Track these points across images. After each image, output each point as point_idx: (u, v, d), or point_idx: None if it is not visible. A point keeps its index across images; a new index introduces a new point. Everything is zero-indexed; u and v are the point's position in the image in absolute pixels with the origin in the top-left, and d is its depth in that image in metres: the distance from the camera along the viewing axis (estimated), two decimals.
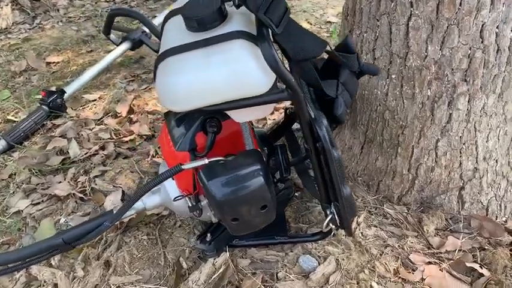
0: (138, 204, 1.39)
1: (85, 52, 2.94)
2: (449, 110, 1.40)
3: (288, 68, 1.02)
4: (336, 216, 1.25)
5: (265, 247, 1.46)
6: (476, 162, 1.48)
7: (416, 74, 1.38)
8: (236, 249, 1.47)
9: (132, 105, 2.21)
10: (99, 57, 2.80)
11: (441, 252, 1.44)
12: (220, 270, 1.40)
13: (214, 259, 1.42)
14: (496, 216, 1.55)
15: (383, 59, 1.44)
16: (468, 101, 1.38)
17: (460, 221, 1.52)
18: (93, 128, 2.09)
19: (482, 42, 1.28)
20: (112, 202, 1.69)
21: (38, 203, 1.74)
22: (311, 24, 3.04)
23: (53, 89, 2.33)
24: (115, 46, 2.59)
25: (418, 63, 1.37)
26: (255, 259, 1.44)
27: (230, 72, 0.95)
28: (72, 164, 1.91)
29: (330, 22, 3.04)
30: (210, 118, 1.21)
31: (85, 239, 1.39)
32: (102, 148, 1.97)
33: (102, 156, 1.91)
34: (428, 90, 1.39)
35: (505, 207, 1.55)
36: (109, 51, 2.87)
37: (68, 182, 1.82)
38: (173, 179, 1.31)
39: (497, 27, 1.26)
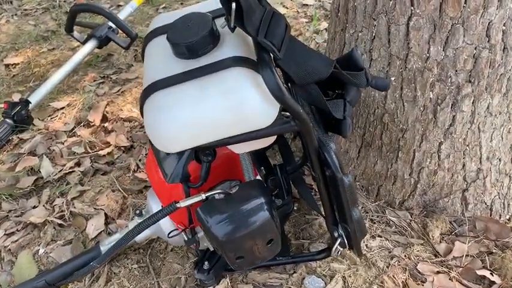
0: None
1: (46, 51, 2.72)
2: (453, 112, 1.32)
3: (292, 93, 0.91)
4: (345, 239, 1.16)
5: (266, 269, 1.38)
6: (480, 162, 1.41)
7: (418, 76, 1.29)
8: (235, 273, 1.37)
9: (105, 112, 2.05)
10: (62, 57, 2.60)
11: (449, 260, 1.39)
12: None
13: (214, 287, 1.32)
14: (500, 215, 1.50)
15: (381, 61, 1.34)
16: (473, 103, 1.30)
17: (465, 223, 1.47)
18: (65, 141, 1.93)
19: (488, 41, 1.20)
20: (94, 227, 1.56)
21: (13, 233, 1.59)
22: (287, 8, 2.89)
23: (16, 99, 2.13)
24: (79, 43, 2.39)
25: (420, 64, 1.27)
26: (257, 283, 1.35)
27: (229, 106, 0.83)
28: (45, 184, 1.75)
29: (306, 5, 2.90)
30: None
31: (70, 279, 1.28)
32: (78, 164, 1.82)
33: (79, 174, 1.76)
34: (431, 92, 1.31)
35: (508, 205, 1.51)
36: (73, 49, 2.68)
37: (44, 206, 1.67)
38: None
39: (504, 25, 1.18)
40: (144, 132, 1.94)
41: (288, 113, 0.89)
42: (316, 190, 1.57)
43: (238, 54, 0.87)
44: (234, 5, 0.78)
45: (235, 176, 1.16)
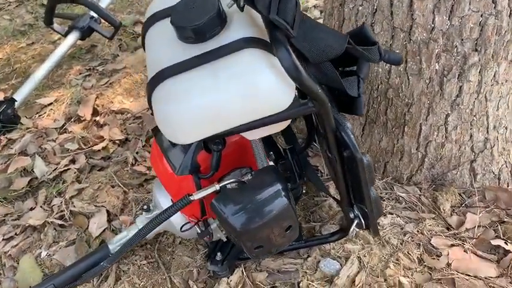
0: (133, 233, 1.22)
1: (25, 46, 2.61)
2: (460, 83, 1.30)
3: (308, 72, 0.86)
4: (362, 219, 1.14)
5: (279, 255, 1.35)
6: (487, 132, 1.40)
7: (423, 47, 1.26)
8: (249, 262, 1.34)
9: (95, 106, 1.98)
10: (44, 51, 2.50)
11: (461, 232, 1.38)
12: None
13: (228, 277, 1.29)
14: (508, 184, 1.50)
15: (384, 34, 1.30)
16: (479, 72, 1.28)
17: (474, 194, 1.45)
18: (56, 139, 1.85)
19: (495, 7, 1.17)
20: (97, 225, 1.50)
21: (12, 238, 1.53)
22: None
23: (0, 98, 2.04)
24: (60, 36, 2.29)
25: (425, 36, 1.24)
26: (271, 270, 1.32)
27: (245, 91, 0.78)
28: (41, 184, 1.69)
29: None
30: None
31: (80, 281, 1.23)
32: (73, 161, 1.75)
33: (75, 172, 1.69)
34: (437, 64, 1.28)
35: None
36: (54, 42, 2.58)
37: (41, 207, 1.60)
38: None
39: None
40: (139, 124, 1.88)
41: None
42: (322, 171, 1.55)
43: (248, 35, 0.82)
44: None
45: (245, 163, 1.12)
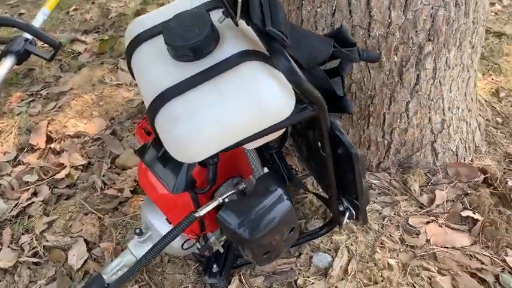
0: (128, 259, 1.19)
1: None
2: (417, 71, 1.39)
3: None
4: (352, 210, 1.19)
5: None
6: (443, 114, 1.51)
7: (382, 42, 1.34)
8: (243, 269, 1.35)
9: (48, 133, 1.87)
10: None
11: (433, 209, 1.48)
12: None
13: (227, 286, 1.30)
14: (464, 158, 1.63)
15: None
16: (434, 59, 1.38)
17: (438, 172, 1.57)
18: (11, 172, 1.74)
19: (443, 0, 1.27)
20: (77, 257, 1.44)
21: None
22: None
23: None
24: None
25: (383, 31, 1.32)
26: (267, 273, 1.34)
27: (251, 104, 0.80)
28: (3, 223, 1.58)
29: None
30: None
31: None
32: (35, 194, 1.65)
33: (40, 205, 1.60)
34: (395, 56, 1.36)
35: (469, 147, 1.63)
36: None
37: (9, 247, 1.50)
38: (169, 223, 1.13)
39: None
40: (99, 146, 1.81)
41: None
42: (297, 169, 1.59)
43: (243, 49, 0.83)
44: None
45: (236, 173, 1.13)
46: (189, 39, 0.80)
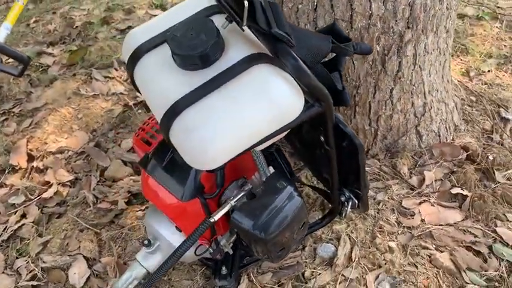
0: (138, 271, 1.18)
1: None
2: (399, 59, 1.44)
3: None
4: (355, 199, 1.23)
5: None
6: (425, 97, 1.57)
7: (364, 33, 1.37)
8: (249, 268, 1.37)
9: (29, 151, 1.82)
10: None
11: (424, 189, 1.54)
12: None
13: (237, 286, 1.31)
14: (446, 138, 1.70)
15: None
16: (414, 46, 1.43)
17: (424, 154, 1.63)
18: None
19: None
20: (78, 275, 1.41)
21: None
22: None
23: None
24: None
25: (364, 22, 1.35)
26: (274, 269, 1.36)
27: (265, 106, 0.81)
28: None
29: None
30: None
31: None
32: (24, 216, 1.60)
33: (32, 226, 1.56)
34: (377, 45, 1.40)
35: (449, 127, 1.70)
36: None
37: (4, 273, 1.46)
38: (180, 231, 1.13)
39: None
40: (84, 160, 1.77)
41: None
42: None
43: (249, 53, 0.84)
44: (247, 3, 0.75)
45: (239, 174, 1.14)
46: (196, 48, 0.80)
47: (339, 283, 1.32)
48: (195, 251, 1.11)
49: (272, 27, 0.79)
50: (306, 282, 1.33)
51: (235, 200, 1.01)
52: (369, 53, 1.07)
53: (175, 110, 0.80)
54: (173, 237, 1.15)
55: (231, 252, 1.22)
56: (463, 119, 1.77)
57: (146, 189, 1.13)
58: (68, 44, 2.42)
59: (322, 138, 1.06)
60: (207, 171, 1.04)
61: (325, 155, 1.09)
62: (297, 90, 0.84)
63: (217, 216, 0.98)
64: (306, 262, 1.38)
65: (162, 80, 0.86)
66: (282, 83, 0.82)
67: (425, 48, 1.46)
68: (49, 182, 1.70)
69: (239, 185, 1.14)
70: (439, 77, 1.60)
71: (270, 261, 1.30)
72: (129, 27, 2.48)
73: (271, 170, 1.09)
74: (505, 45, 2.13)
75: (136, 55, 0.91)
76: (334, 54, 1.06)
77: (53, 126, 1.93)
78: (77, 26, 2.53)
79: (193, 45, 0.81)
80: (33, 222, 1.57)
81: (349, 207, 1.23)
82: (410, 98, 1.54)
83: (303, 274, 1.35)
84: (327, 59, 1.07)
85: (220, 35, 0.84)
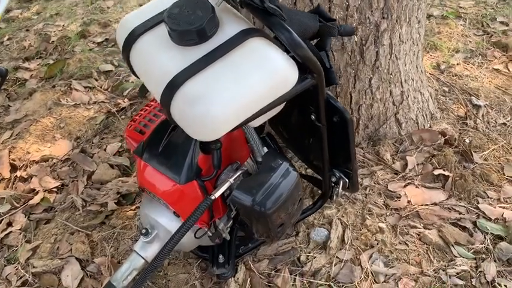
0: (137, 262, 1.18)
1: None
2: (376, 48, 1.51)
3: None
4: (345, 178, 1.26)
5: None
6: (402, 86, 1.65)
7: (343, 24, 1.44)
8: (245, 257, 1.38)
9: (11, 161, 1.79)
10: None
11: (407, 173, 1.60)
12: (247, 283, 1.31)
13: (234, 276, 1.32)
14: (424, 125, 1.77)
15: None
16: (389, 35, 1.50)
17: (404, 140, 1.70)
18: None
19: None
20: (71, 277, 1.39)
21: None
22: None
23: None
24: None
25: (342, 14, 1.42)
26: (269, 256, 1.38)
27: (266, 74, 0.85)
28: None
29: None
30: None
31: None
32: (10, 224, 1.57)
33: (20, 233, 1.53)
34: (355, 36, 1.47)
35: (426, 115, 1.78)
36: None
37: None
38: (178, 215, 1.14)
39: None
40: (69, 166, 1.76)
41: None
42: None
43: (243, 28, 0.88)
44: None
45: (233, 159, 1.17)
46: (193, 23, 0.84)
47: (334, 265, 1.35)
48: (195, 233, 1.11)
49: (265, 1, 0.84)
50: (302, 266, 1.35)
51: (233, 178, 1.04)
52: (351, 34, 1.12)
53: (175, 83, 0.83)
54: (171, 224, 1.15)
55: (228, 237, 1.24)
56: (438, 108, 1.85)
57: (142, 178, 1.14)
58: (44, 59, 2.41)
59: (313, 117, 1.10)
60: (203, 151, 1.07)
61: (315, 140, 1.14)
62: (291, 61, 0.88)
63: (217, 194, 1.00)
64: (300, 247, 1.40)
65: (160, 58, 0.88)
66: (278, 52, 0.86)
67: (399, 38, 1.54)
68: (34, 190, 1.67)
69: (234, 168, 1.16)
70: (414, 66, 1.68)
71: (269, 241, 1.32)
72: (106, 40, 2.50)
73: (266, 150, 1.12)
74: (470, 41, 2.25)
75: (132, 37, 0.93)
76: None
77: (34, 136, 1.91)
78: (53, 41, 2.52)
79: (190, 21, 0.85)
80: (20, 229, 1.54)
81: (340, 187, 1.27)
82: (388, 87, 1.61)
83: (298, 259, 1.38)
84: (312, 43, 1.13)
85: (215, 12, 0.88)
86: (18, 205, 1.62)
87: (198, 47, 0.87)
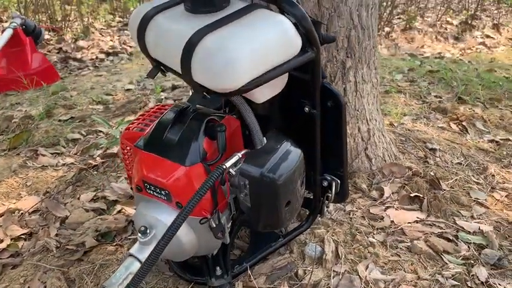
0: (134, 266, 1.09)
1: None
2: (343, 85, 1.69)
3: None
4: (338, 180, 1.31)
5: (264, 261, 1.36)
6: (368, 123, 1.80)
7: None
8: (241, 277, 1.31)
9: None
10: None
11: (385, 199, 1.67)
12: None
13: None
14: (386, 159, 1.89)
15: None
16: (354, 73, 1.70)
17: (376, 174, 1.80)
18: None
19: (353, 23, 1.63)
20: None
21: None
22: None
23: None
24: None
25: None
26: (267, 273, 1.32)
27: (279, 33, 0.96)
28: None
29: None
30: (211, 120, 1.12)
31: None
32: None
33: None
34: (325, 72, 1.65)
35: (390, 155, 1.91)
36: None
37: None
38: (181, 207, 1.11)
39: (357, 10, 1.64)
40: (40, 215, 1.65)
41: None
42: None
43: (250, 3, 1.01)
44: None
45: (234, 150, 1.19)
46: None
47: (333, 277, 1.32)
48: (200, 220, 1.08)
49: None
50: (301, 280, 1.31)
51: (241, 153, 1.06)
52: (332, 41, 1.28)
53: (194, 40, 0.91)
54: (171, 220, 1.11)
55: (227, 241, 1.20)
56: (399, 151, 2.01)
57: (142, 171, 1.12)
58: (6, 134, 2.37)
59: (306, 109, 1.19)
60: (209, 137, 1.10)
61: (308, 135, 1.21)
62: (296, 32, 1.00)
63: (228, 164, 1.01)
64: (297, 262, 1.36)
65: (176, 27, 0.97)
66: (288, 21, 0.98)
67: (362, 77, 1.73)
68: None
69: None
70: (375, 108, 1.86)
71: (274, 229, 1.28)
72: (72, 118, 2.53)
73: (265, 140, 1.17)
74: (413, 108, 2.54)
75: (146, 19, 1.03)
76: None
77: None
78: (15, 121, 2.51)
79: None
80: None
81: (333, 190, 1.30)
82: (356, 122, 1.76)
83: (295, 274, 1.33)
84: None
85: None
86: None
87: (212, 15, 0.97)
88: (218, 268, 1.23)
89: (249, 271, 1.29)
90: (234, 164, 1.03)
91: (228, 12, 0.98)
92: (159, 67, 1.08)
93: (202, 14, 0.97)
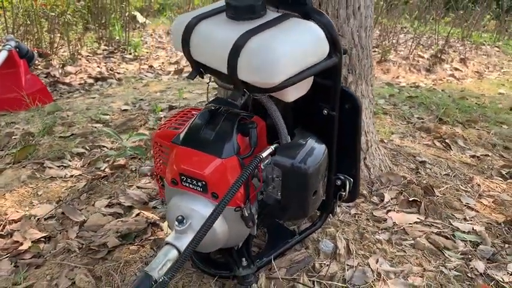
0: (171, 253, 1.16)
1: None
2: None
3: None
4: (351, 178, 1.43)
5: (283, 255, 1.45)
6: (366, 135, 1.95)
7: None
8: (261, 271, 1.39)
9: None
10: None
11: (386, 204, 1.80)
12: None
13: (257, 283, 1.32)
14: (382, 169, 2.03)
15: None
16: (355, 88, 1.85)
17: (375, 182, 1.93)
18: None
19: (354, 42, 1.80)
20: None
21: None
22: None
23: None
24: None
25: None
26: (286, 267, 1.41)
27: (313, 38, 1.10)
28: None
29: None
30: (244, 118, 1.23)
31: None
32: None
33: (6, 278, 1.38)
34: None
35: (386, 166, 2.06)
36: None
37: None
38: (216, 196, 1.19)
39: (357, 31, 1.81)
40: (57, 220, 1.69)
41: None
42: None
43: (282, 13, 1.15)
44: None
45: (261, 148, 1.30)
46: (250, 1, 1.09)
47: (347, 270, 1.42)
48: (235, 208, 1.17)
49: None
50: (318, 273, 1.40)
51: (273, 146, 1.17)
52: (345, 53, 1.43)
53: (239, 43, 1.03)
54: (207, 210, 1.19)
55: (254, 232, 1.29)
56: (393, 164, 2.15)
57: (179, 165, 1.21)
58: (9, 149, 2.39)
59: (325, 112, 1.32)
60: (241, 134, 1.21)
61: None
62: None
63: (264, 154, 1.12)
64: (313, 257, 1.46)
65: (221, 31, 1.10)
66: (319, 28, 1.12)
67: (361, 92, 1.89)
68: (17, 242, 1.56)
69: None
70: (371, 123, 2.01)
71: (299, 218, 1.37)
72: (73, 134, 2.57)
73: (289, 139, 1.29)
74: (400, 127, 2.72)
75: (190, 25, 1.15)
76: None
77: (10, 201, 1.83)
78: (15, 137, 2.53)
79: (247, 0, 1.10)
80: (3, 275, 1.41)
81: (347, 188, 1.42)
82: None
83: (313, 267, 1.42)
84: None
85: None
86: (3, 253, 1.50)
87: (252, 21, 1.10)
88: (244, 259, 1.31)
89: (273, 262, 1.37)
90: (270, 154, 1.14)
91: (266, 19, 1.11)
92: (198, 70, 1.19)
93: (243, 21, 1.10)
